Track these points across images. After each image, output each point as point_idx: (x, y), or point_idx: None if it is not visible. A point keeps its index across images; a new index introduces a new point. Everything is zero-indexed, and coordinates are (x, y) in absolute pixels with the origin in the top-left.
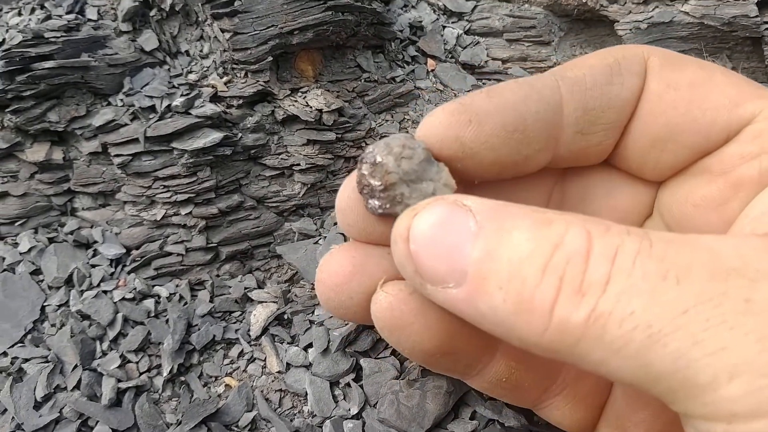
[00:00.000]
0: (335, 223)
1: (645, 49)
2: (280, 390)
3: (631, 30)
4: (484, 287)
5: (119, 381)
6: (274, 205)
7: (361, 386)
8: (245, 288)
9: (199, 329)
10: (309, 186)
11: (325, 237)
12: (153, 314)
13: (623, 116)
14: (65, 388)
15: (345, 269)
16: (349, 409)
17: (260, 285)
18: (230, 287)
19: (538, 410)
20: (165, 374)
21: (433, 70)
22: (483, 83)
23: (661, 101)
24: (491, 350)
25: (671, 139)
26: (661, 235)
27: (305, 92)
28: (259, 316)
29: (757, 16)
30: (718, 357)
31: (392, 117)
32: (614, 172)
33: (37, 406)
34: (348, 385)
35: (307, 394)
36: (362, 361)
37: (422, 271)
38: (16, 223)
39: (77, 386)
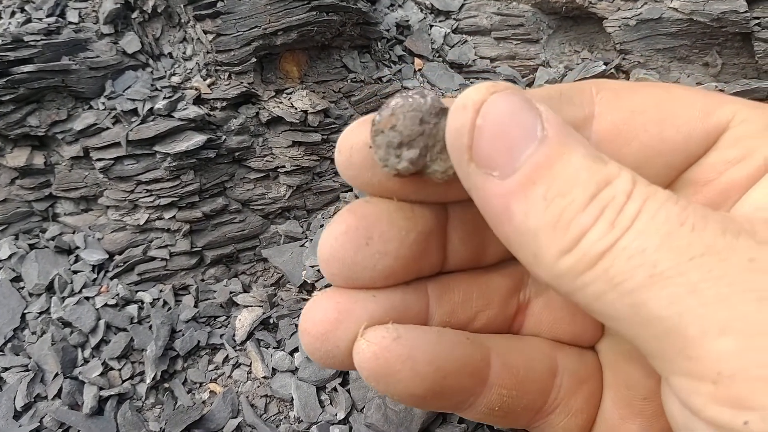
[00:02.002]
0: (321, 226)
1: (593, 84)
2: (266, 395)
3: (620, 27)
4: (530, 191)
5: (101, 389)
6: (260, 207)
7: (348, 391)
8: (230, 292)
9: (183, 335)
10: (294, 188)
11: (311, 239)
12: (136, 320)
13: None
14: (46, 397)
15: (330, 316)
16: (336, 414)
17: (246, 289)
18: (215, 291)
19: (532, 430)
20: (148, 381)
21: (420, 70)
22: (471, 82)
23: (629, 128)
24: (482, 381)
25: (648, 162)
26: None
27: (290, 93)
28: (244, 320)
29: (746, 12)
30: (713, 309)
31: None
32: None
33: (17, 415)
34: (335, 389)
35: (293, 399)
36: None
37: (477, 148)
38: None
39: (58, 395)
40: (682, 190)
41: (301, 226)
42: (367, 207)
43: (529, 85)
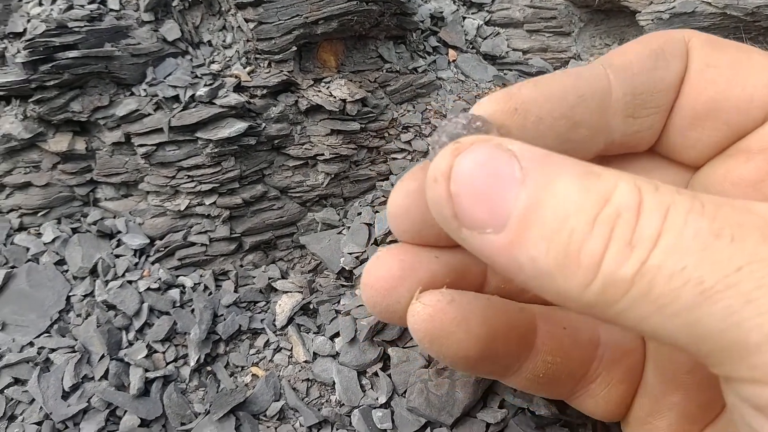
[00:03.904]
0: (359, 213)
1: (686, 33)
2: (308, 379)
3: (652, 20)
4: (527, 236)
5: (146, 371)
6: (298, 195)
7: (389, 375)
8: (269, 278)
9: (224, 319)
10: (332, 176)
11: (349, 227)
12: (178, 304)
13: (669, 99)
14: (93, 378)
15: (394, 273)
16: (377, 398)
17: (284, 275)
18: (254, 277)
19: (572, 400)
20: (192, 364)
21: (454, 61)
22: (504, 74)
23: (701, 79)
24: (528, 347)
25: (711, 116)
26: (711, 198)
27: (328, 82)
28: (284, 305)
29: None
30: None
31: (414, 107)
32: (653, 159)
33: (65, 395)
34: (376, 374)
35: (334, 383)
36: (390, 350)
37: (461, 213)
38: (39, 214)
39: (105, 376)
40: (735, 157)
41: (338, 214)
42: None
43: None
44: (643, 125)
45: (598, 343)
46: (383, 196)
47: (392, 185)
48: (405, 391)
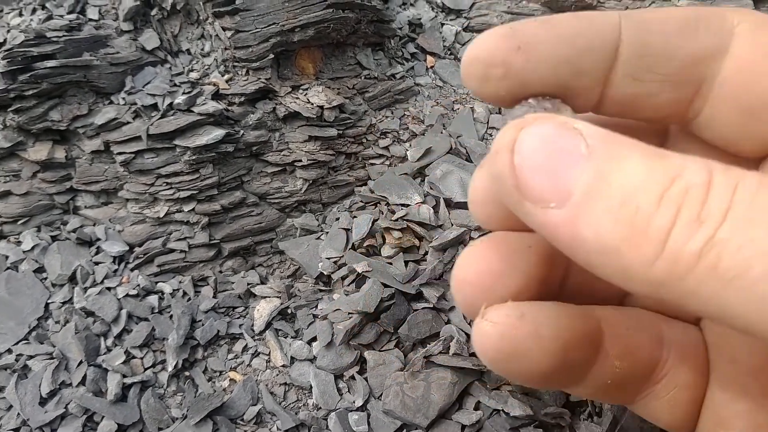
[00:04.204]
0: (337, 219)
1: (735, 12)
2: (285, 383)
3: None
4: (591, 211)
5: (124, 376)
6: (276, 201)
7: (366, 379)
8: (248, 284)
9: (203, 325)
10: (311, 182)
11: (327, 232)
12: (157, 310)
13: (686, 72)
14: (70, 384)
15: (494, 267)
16: (354, 402)
17: (263, 281)
18: (233, 283)
19: (636, 406)
20: (170, 369)
21: (432, 67)
22: None
23: (757, 68)
24: (597, 353)
25: None
26: None
27: (306, 89)
28: (262, 311)
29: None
30: None
31: (392, 113)
32: (706, 148)
33: (43, 402)
34: (352, 377)
35: (311, 387)
36: (366, 354)
37: (523, 186)
38: (19, 222)
39: (82, 382)
40: None
41: (317, 219)
42: None
43: None
44: (642, 90)
45: (662, 342)
46: (361, 201)
47: (370, 191)
48: (381, 394)
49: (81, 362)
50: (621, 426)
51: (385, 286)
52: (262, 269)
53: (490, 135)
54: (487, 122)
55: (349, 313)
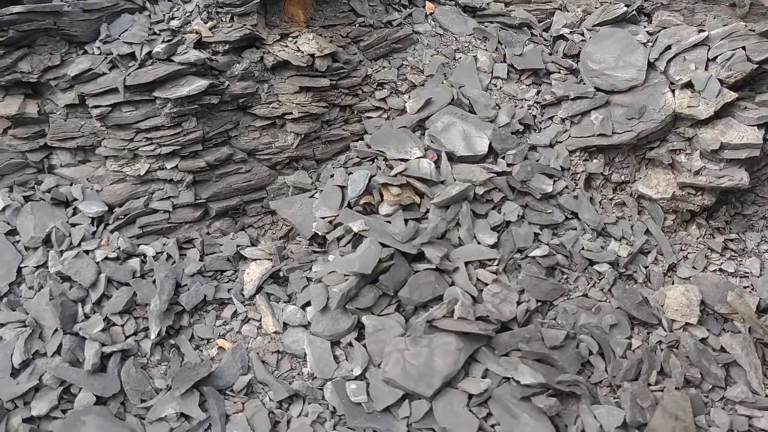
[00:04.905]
0: (332, 176)
1: None
2: (278, 351)
3: None
4: None
5: (103, 345)
6: (266, 157)
7: (364, 345)
8: (237, 246)
9: (188, 289)
10: (303, 136)
11: (321, 190)
12: (139, 274)
13: None
14: (45, 354)
15: None
16: (352, 370)
17: (253, 242)
18: (221, 245)
19: None
20: (153, 337)
21: (432, 14)
22: (485, 26)
23: None
24: None
25: None
26: None
27: (296, 37)
28: (252, 274)
29: None
30: None
31: (389, 63)
32: None
33: (15, 373)
34: (350, 344)
35: (306, 355)
36: (364, 319)
37: None
38: None
39: (58, 351)
40: None
41: (310, 177)
42: None
43: (546, 29)
44: None
45: None
46: (357, 156)
47: (367, 145)
48: (381, 362)
49: (56, 330)
50: (637, 402)
51: (384, 246)
52: (252, 230)
53: (494, 85)
54: (491, 71)
55: (345, 275)
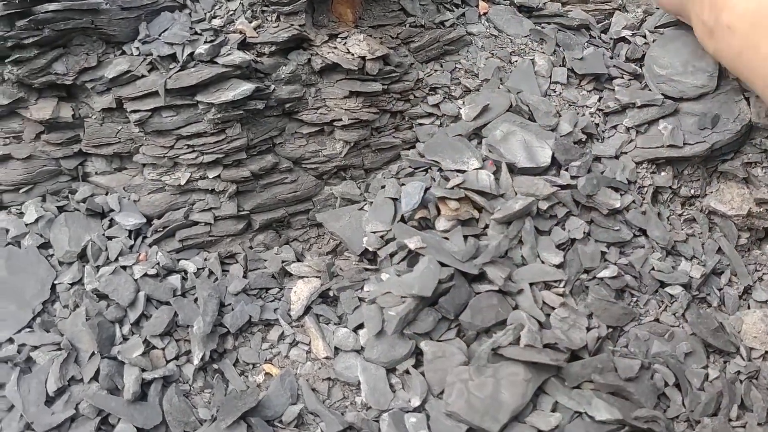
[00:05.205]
0: (383, 187)
1: None
2: (329, 378)
3: None
4: None
5: (143, 371)
6: (313, 166)
7: (422, 373)
8: (282, 261)
9: (232, 309)
10: (352, 144)
11: (371, 202)
12: (179, 292)
13: None
14: (81, 380)
15: None
16: (410, 401)
17: (299, 257)
18: (266, 260)
19: None
20: (196, 362)
21: (485, 14)
22: (541, 27)
23: None
24: None
25: None
26: None
27: (345, 38)
28: (300, 293)
29: None
30: None
31: (442, 66)
32: None
33: (49, 401)
34: (407, 372)
35: (359, 383)
36: (423, 344)
37: None
38: (21, 190)
39: (95, 377)
40: None
41: (359, 188)
42: None
43: (605, 31)
44: None
45: None
46: (409, 166)
47: (420, 154)
48: (442, 392)
49: (93, 354)
50: None
51: (443, 265)
52: (297, 244)
53: (553, 91)
54: (550, 76)
55: (402, 297)
